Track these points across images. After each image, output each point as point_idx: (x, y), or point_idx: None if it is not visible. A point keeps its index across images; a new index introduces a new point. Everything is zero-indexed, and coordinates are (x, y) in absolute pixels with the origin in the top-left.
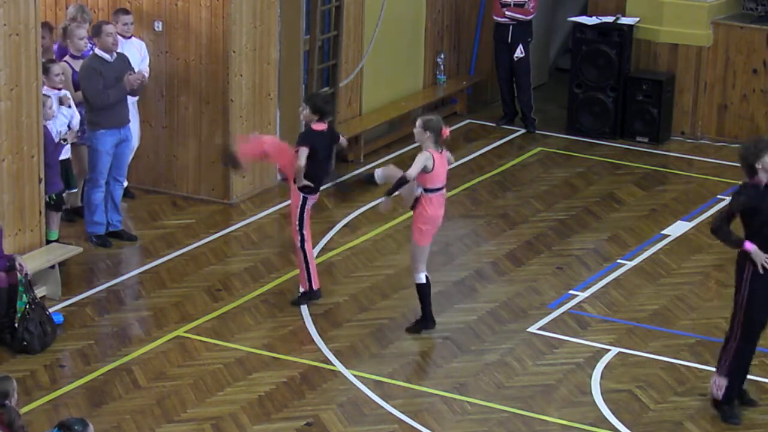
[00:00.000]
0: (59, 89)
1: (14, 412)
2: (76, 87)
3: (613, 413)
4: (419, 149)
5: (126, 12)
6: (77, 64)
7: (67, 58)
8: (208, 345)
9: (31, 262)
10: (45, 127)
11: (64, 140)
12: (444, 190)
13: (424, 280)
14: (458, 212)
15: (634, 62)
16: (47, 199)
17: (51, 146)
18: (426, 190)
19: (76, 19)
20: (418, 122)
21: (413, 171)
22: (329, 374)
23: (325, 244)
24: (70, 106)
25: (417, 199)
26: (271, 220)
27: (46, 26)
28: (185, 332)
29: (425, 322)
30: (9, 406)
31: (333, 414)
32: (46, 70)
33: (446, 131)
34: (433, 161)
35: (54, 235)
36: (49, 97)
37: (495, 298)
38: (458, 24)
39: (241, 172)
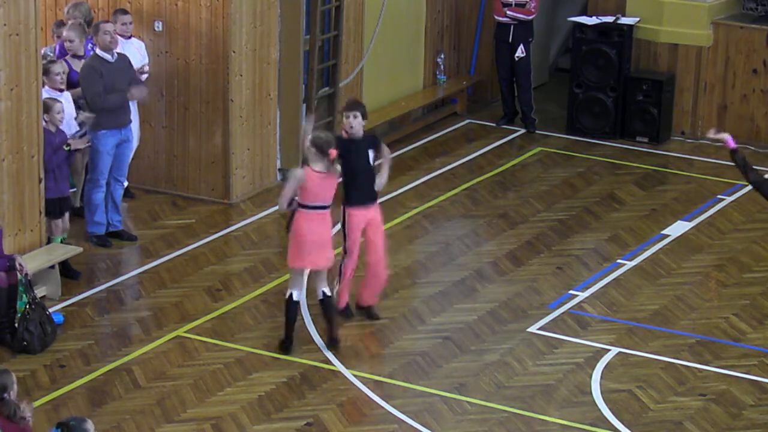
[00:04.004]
0: (61, 90)
1: (14, 405)
2: (74, 86)
3: (613, 413)
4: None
5: (125, 12)
6: (76, 64)
7: (68, 57)
8: (208, 345)
9: (31, 262)
10: (46, 130)
11: (67, 146)
12: (324, 211)
13: (295, 297)
14: (458, 212)
15: (634, 62)
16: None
17: (49, 150)
18: (301, 206)
19: (74, 17)
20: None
21: (284, 193)
22: (329, 374)
23: None
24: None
25: (293, 214)
26: (271, 220)
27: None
28: (185, 332)
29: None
30: (8, 400)
31: (333, 414)
32: (46, 71)
33: (333, 152)
34: (304, 177)
35: (58, 241)
36: (58, 102)
37: (495, 298)
38: (458, 24)
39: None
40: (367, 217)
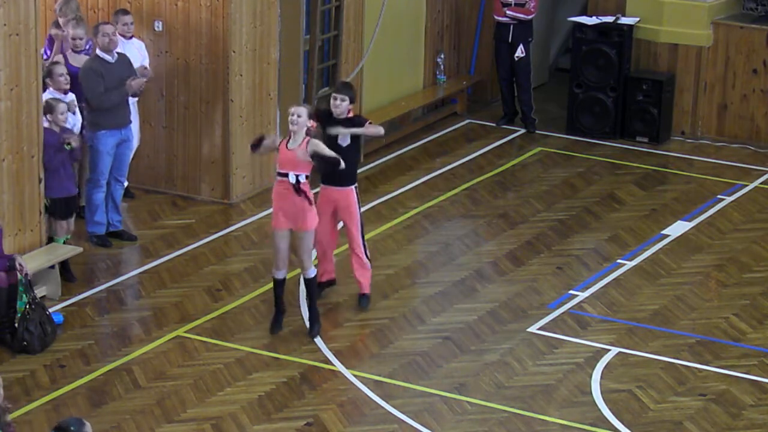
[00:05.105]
0: (65, 92)
1: (0, 411)
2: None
3: (613, 413)
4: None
5: (126, 12)
6: (76, 58)
7: (68, 52)
8: (208, 345)
9: (31, 262)
10: (49, 130)
11: (68, 145)
12: (283, 179)
13: (276, 276)
14: (458, 212)
15: (634, 62)
16: (46, 203)
17: (50, 150)
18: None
19: (65, 14)
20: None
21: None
22: (329, 374)
23: None
24: (74, 113)
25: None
26: (271, 220)
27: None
28: (185, 332)
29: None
30: None
31: (333, 414)
32: (50, 73)
33: (312, 124)
34: (278, 144)
35: (60, 242)
36: (60, 101)
37: (495, 298)
38: (458, 24)
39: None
40: (332, 197)
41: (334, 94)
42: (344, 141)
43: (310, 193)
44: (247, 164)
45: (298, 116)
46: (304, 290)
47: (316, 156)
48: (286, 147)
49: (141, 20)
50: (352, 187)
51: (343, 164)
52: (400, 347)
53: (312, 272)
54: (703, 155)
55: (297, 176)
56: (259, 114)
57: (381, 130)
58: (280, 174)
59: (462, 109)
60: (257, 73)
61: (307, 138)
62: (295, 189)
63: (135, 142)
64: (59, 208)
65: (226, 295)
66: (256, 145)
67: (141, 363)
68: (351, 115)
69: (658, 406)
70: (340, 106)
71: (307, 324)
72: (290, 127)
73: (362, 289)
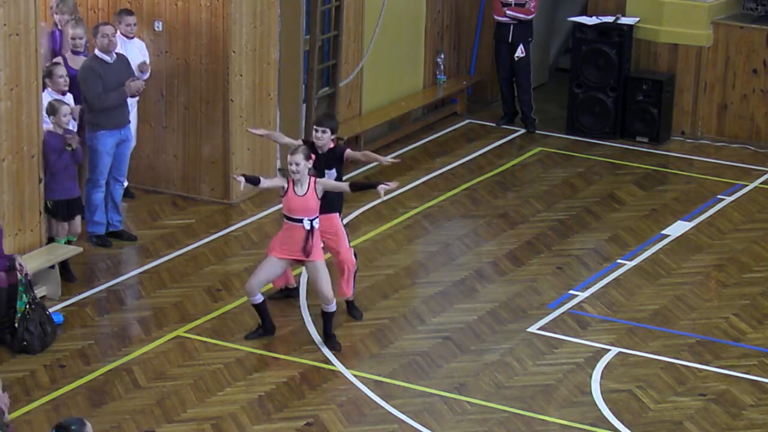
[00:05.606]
0: (63, 93)
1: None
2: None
3: (613, 413)
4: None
5: (130, 13)
6: (74, 60)
7: (67, 54)
8: (208, 345)
9: (31, 262)
10: (51, 132)
11: (69, 146)
12: (296, 225)
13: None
14: (458, 212)
15: (634, 62)
16: (47, 204)
17: (54, 154)
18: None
19: (61, 11)
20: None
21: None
22: (329, 374)
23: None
24: (74, 118)
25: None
26: (271, 220)
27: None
28: (185, 332)
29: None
30: None
31: (333, 414)
32: (49, 74)
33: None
34: (285, 188)
35: (61, 242)
36: (63, 103)
37: (495, 298)
38: (458, 24)
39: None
40: (322, 226)
41: (315, 126)
42: (329, 174)
43: (318, 233)
44: (247, 164)
45: (297, 164)
46: (305, 295)
47: (327, 191)
48: (294, 193)
49: (141, 20)
50: (336, 213)
51: (353, 187)
52: (400, 347)
53: (333, 306)
54: (703, 155)
55: (311, 221)
56: (259, 114)
57: (387, 159)
58: (292, 219)
59: (462, 109)
60: (257, 73)
61: (313, 179)
62: (307, 234)
63: (132, 142)
64: (60, 210)
65: (226, 295)
66: (252, 181)
67: (141, 363)
68: (333, 145)
69: (658, 406)
70: (322, 138)
71: (318, 338)
72: (292, 176)
73: (347, 296)
